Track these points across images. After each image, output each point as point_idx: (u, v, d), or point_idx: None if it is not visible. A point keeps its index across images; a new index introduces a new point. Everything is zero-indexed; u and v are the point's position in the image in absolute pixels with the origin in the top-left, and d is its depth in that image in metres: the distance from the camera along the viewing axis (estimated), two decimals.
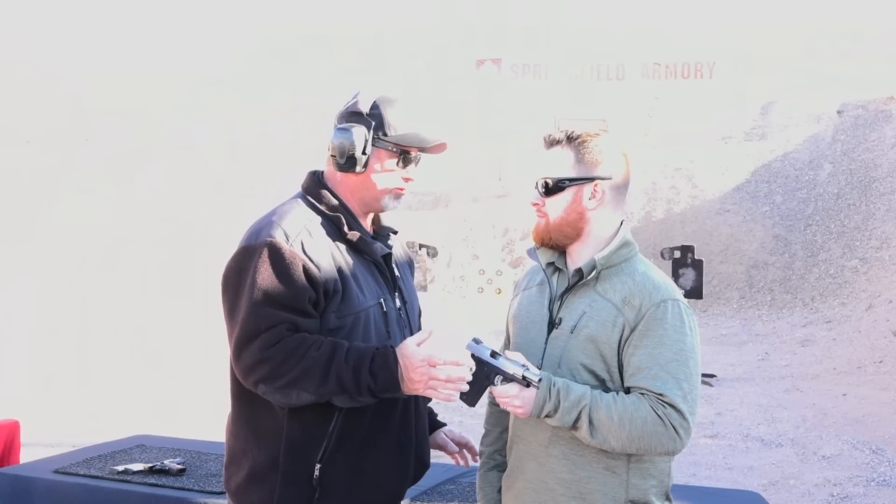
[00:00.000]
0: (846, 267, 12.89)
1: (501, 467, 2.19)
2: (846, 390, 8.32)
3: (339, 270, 2.01)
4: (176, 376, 8.09)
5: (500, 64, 18.33)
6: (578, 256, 2.03)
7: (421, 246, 10.55)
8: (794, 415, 7.54)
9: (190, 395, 7.24)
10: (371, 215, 2.20)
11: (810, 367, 9.51)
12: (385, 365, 1.90)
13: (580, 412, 1.87)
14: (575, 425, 1.88)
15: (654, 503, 1.97)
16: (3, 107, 15.44)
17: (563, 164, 2.01)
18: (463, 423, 6.45)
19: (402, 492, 2.18)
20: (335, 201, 2.10)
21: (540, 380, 1.89)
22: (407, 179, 2.14)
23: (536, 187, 2.04)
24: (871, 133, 15.61)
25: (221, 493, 2.81)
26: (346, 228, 2.07)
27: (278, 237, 1.97)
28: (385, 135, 2.09)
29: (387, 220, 2.24)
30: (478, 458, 2.33)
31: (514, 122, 16.87)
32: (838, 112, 16.44)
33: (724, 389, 8.55)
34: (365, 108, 2.10)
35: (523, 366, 1.91)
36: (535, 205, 2.05)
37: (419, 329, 2.24)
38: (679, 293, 2.00)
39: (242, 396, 2.05)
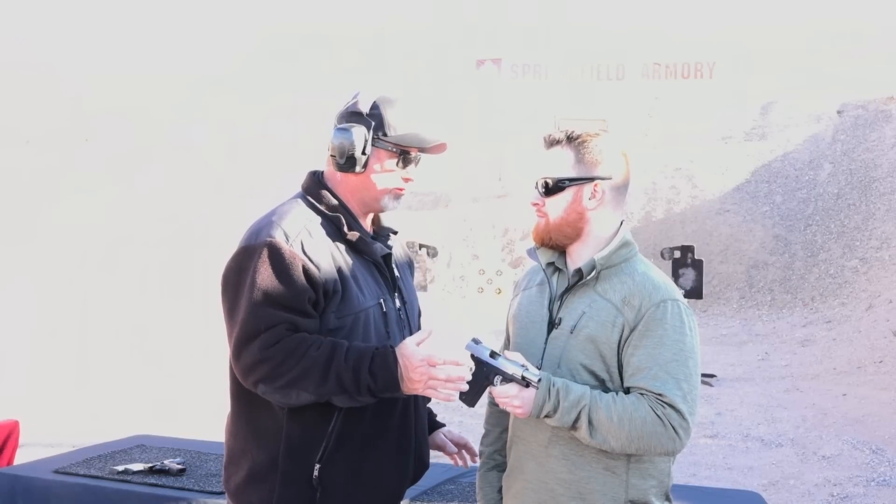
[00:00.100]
0: (846, 267, 12.89)
1: (501, 467, 2.19)
2: (846, 390, 8.32)
3: (339, 271, 2.01)
4: (176, 376, 8.09)
5: (500, 64, 18.32)
6: (578, 256, 2.03)
7: (421, 246, 10.55)
8: (794, 415, 7.54)
9: (190, 395, 7.23)
10: (371, 215, 2.20)
11: (810, 367, 9.51)
12: (385, 364, 1.90)
13: (580, 412, 1.87)
14: (574, 425, 1.88)
15: (653, 503, 1.97)
16: (3, 107, 15.44)
17: (563, 164, 2.01)
18: (463, 423, 6.45)
19: (402, 492, 2.18)
20: (335, 201, 2.10)
21: (539, 380, 1.89)
22: (407, 180, 2.14)
23: (536, 187, 2.04)
24: (871, 133, 15.61)
25: (221, 493, 2.81)
26: (345, 229, 2.07)
27: (278, 237, 1.97)
28: (385, 135, 2.09)
29: (387, 220, 2.25)
30: (477, 458, 2.33)
31: (514, 122, 16.86)
32: (838, 112, 16.44)
33: (724, 389, 8.55)
34: (365, 108, 2.10)
35: (523, 366, 1.91)
36: (534, 205, 2.05)
37: (419, 329, 2.24)
38: (679, 293, 2.00)
39: (242, 396, 2.05)
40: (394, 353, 1.91)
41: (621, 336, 1.92)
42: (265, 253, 1.95)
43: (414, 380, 1.89)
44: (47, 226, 11.40)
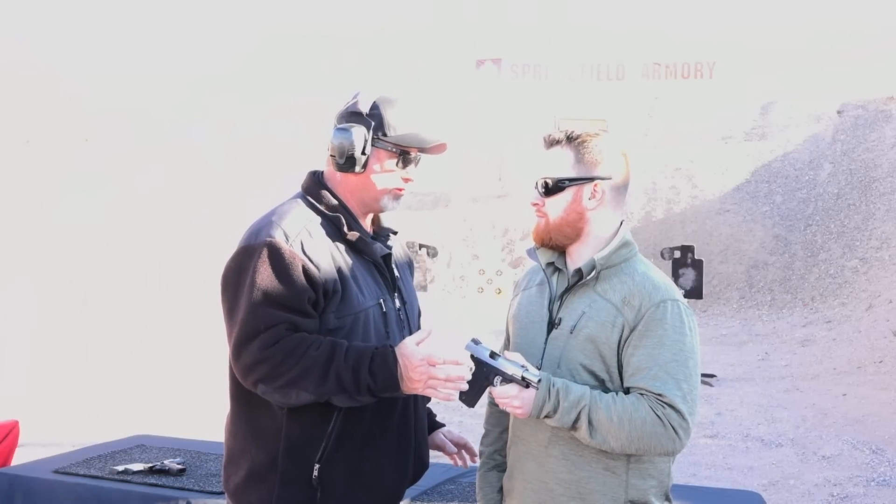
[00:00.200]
0: (846, 267, 12.89)
1: (501, 467, 2.19)
2: (846, 390, 8.32)
3: (339, 271, 2.01)
4: (176, 376, 8.09)
5: (500, 64, 18.31)
6: (578, 256, 2.03)
7: (421, 246, 10.54)
8: (794, 415, 7.54)
9: (190, 395, 7.23)
10: (371, 215, 2.20)
11: (810, 367, 9.50)
12: (384, 364, 1.90)
13: (579, 412, 1.87)
14: (574, 426, 1.88)
15: (653, 503, 1.97)
16: (3, 107, 15.45)
17: (562, 164, 2.01)
18: (463, 423, 6.45)
19: (401, 492, 2.18)
20: (335, 201, 2.10)
21: (539, 380, 1.89)
22: (406, 180, 2.14)
23: (536, 187, 2.04)
24: (871, 133, 15.61)
25: (221, 493, 2.80)
26: (345, 229, 2.07)
27: (278, 237, 1.97)
28: (385, 135, 2.09)
29: (386, 220, 2.25)
30: (476, 458, 2.33)
31: (514, 122, 16.86)
32: (838, 112, 16.44)
33: (724, 389, 8.55)
34: (365, 108, 2.10)
35: (522, 366, 1.91)
36: (534, 205, 2.05)
37: (419, 329, 2.24)
38: (679, 293, 2.00)
39: (241, 396, 2.05)
40: (393, 352, 1.91)
41: (621, 336, 1.92)
42: (265, 253, 1.95)
43: (414, 379, 1.89)
44: (47, 226, 11.40)
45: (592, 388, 1.92)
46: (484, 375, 1.92)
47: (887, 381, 8.41)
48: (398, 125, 2.09)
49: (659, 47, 18.23)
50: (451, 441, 2.38)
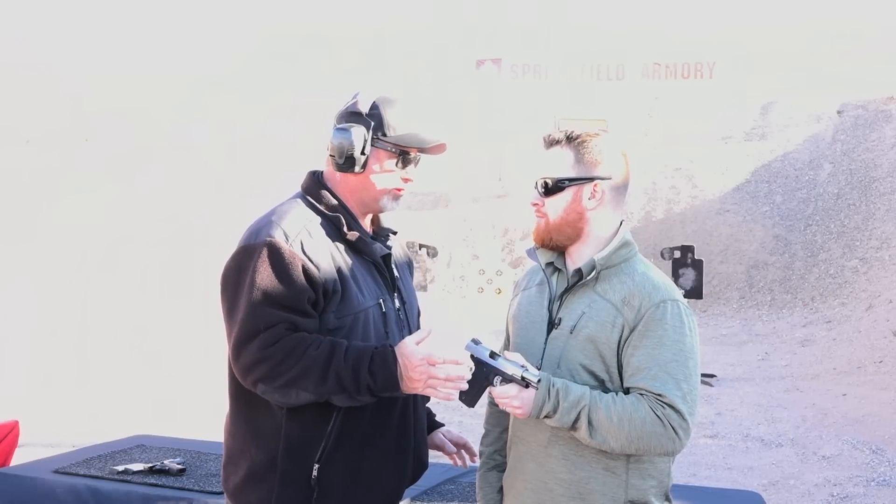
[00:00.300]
0: (846, 267, 12.89)
1: (501, 468, 2.19)
2: (846, 390, 8.32)
3: (339, 271, 2.01)
4: (176, 376, 8.09)
5: (500, 64, 18.31)
6: (578, 256, 2.03)
7: (421, 246, 10.54)
8: (794, 415, 7.54)
9: (190, 395, 7.23)
10: (370, 215, 2.20)
11: (810, 367, 9.50)
12: (384, 364, 1.90)
13: (579, 413, 1.87)
14: (574, 426, 1.88)
15: (653, 503, 1.97)
16: (3, 107, 15.44)
17: (562, 164, 2.01)
18: (463, 423, 6.45)
19: (401, 492, 2.18)
20: (335, 201, 2.10)
21: (539, 380, 1.89)
22: (406, 180, 2.14)
23: (536, 187, 2.04)
24: (871, 133, 15.60)
25: (221, 493, 2.80)
26: (345, 229, 2.07)
27: (278, 237, 1.97)
28: (384, 135, 2.09)
29: (386, 220, 2.25)
30: (475, 458, 2.33)
31: (514, 122, 16.86)
32: (838, 112, 16.44)
33: (724, 389, 8.55)
34: (364, 108, 2.09)
35: (522, 366, 1.91)
36: (534, 205, 2.04)
37: (418, 330, 2.24)
38: (679, 293, 2.00)
39: (241, 396, 2.05)
40: (393, 352, 1.91)
41: (621, 336, 1.92)
42: (265, 252, 1.95)
43: (413, 379, 1.89)
44: (47, 226, 11.39)
45: (592, 388, 1.92)
46: (484, 375, 1.92)
47: (887, 381, 8.41)
48: (398, 125, 2.09)
49: (659, 47, 18.23)
50: (450, 441, 2.38)
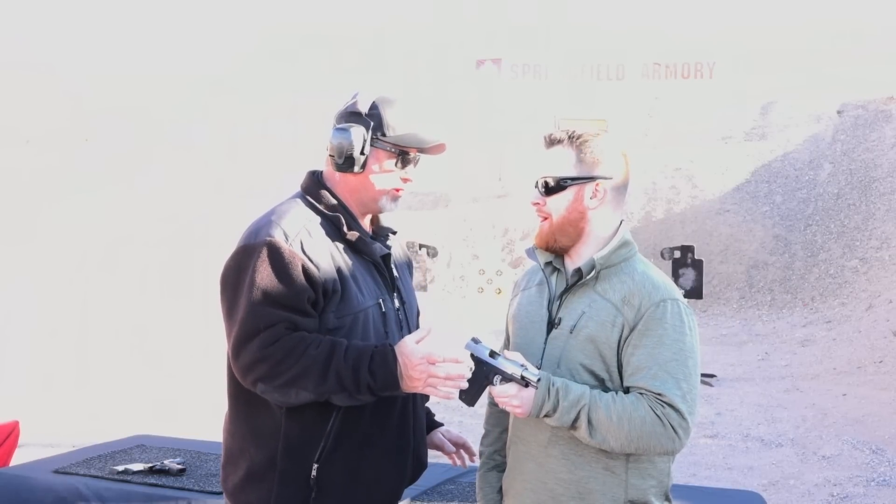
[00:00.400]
0: (846, 267, 12.89)
1: (501, 468, 2.19)
2: (846, 390, 8.32)
3: (339, 270, 2.01)
4: (176, 376, 8.09)
5: (500, 64, 18.30)
6: (578, 256, 2.03)
7: (421, 246, 10.54)
8: (794, 415, 7.54)
9: (190, 395, 7.23)
10: (370, 215, 2.20)
11: (810, 367, 9.50)
12: (384, 363, 1.90)
13: (579, 412, 1.87)
14: (574, 425, 1.88)
15: (653, 503, 1.97)
16: (3, 107, 15.44)
17: (563, 163, 2.00)
18: (463, 423, 6.44)
19: (400, 492, 2.18)
20: (334, 201, 2.10)
21: (539, 380, 1.89)
22: (405, 180, 2.14)
23: (537, 187, 2.04)
24: (871, 133, 15.60)
25: (221, 493, 2.81)
26: (345, 228, 2.07)
27: (277, 236, 1.97)
28: (384, 135, 2.09)
29: (386, 220, 2.25)
30: (475, 458, 2.33)
31: (514, 122, 16.85)
32: (838, 112, 16.43)
33: (724, 389, 8.55)
34: (364, 108, 2.09)
35: (522, 366, 1.91)
36: (535, 204, 2.04)
37: (418, 329, 2.24)
38: (678, 293, 2.00)
39: (240, 396, 2.04)
40: (393, 351, 1.91)
41: (621, 336, 1.92)
42: (264, 252, 1.95)
43: (413, 378, 1.89)
44: (47, 226, 11.39)
45: (592, 387, 1.92)
46: (484, 374, 1.92)
47: (887, 381, 8.41)
48: (397, 125, 2.09)
49: (659, 47, 18.22)
50: (449, 440, 2.38)
